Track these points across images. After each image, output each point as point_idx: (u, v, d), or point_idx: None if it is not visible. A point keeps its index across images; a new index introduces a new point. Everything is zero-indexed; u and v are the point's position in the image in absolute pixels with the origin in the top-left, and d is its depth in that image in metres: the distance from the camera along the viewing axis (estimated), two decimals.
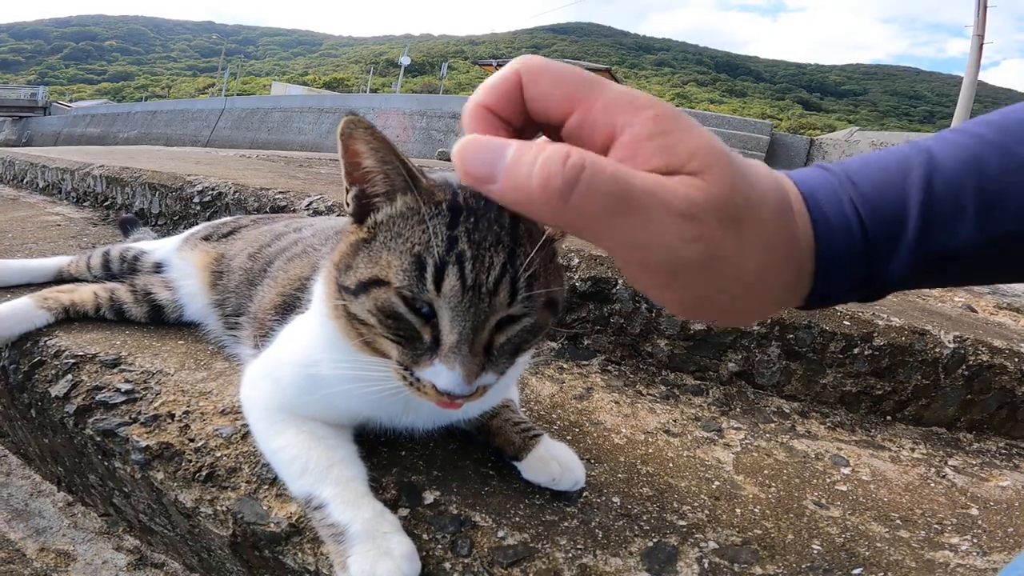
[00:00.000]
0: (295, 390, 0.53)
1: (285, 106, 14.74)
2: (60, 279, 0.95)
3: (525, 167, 0.26)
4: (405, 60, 36.08)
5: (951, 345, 0.85)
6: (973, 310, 1.25)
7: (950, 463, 0.79)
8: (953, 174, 0.30)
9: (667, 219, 0.25)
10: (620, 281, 0.92)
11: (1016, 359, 0.85)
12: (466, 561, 0.49)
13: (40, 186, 2.08)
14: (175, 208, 1.41)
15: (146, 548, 0.79)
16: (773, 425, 0.81)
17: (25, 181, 2.22)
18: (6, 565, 0.78)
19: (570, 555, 0.49)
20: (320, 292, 0.48)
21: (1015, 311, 1.25)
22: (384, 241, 0.40)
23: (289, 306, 0.60)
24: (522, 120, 0.30)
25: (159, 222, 1.47)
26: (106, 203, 1.67)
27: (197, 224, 1.21)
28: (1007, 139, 0.30)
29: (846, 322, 0.87)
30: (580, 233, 0.27)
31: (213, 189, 1.33)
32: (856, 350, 0.86)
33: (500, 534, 0.50)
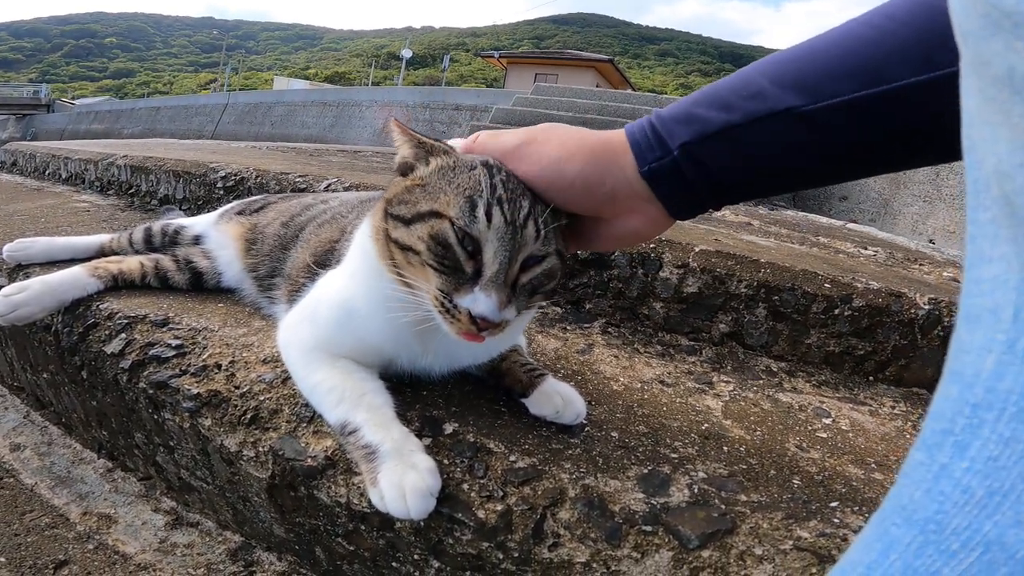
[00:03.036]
0: (331, 327, 0.60)
1: (288, 100, 14.78)
2: (102, 254, 1.03)
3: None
4: (407, 53, 35.97)
5: (926, 307, 0.92)
6: (958, 281, 1.31)
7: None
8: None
9: (515, 147, 0.51)
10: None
11: None
12: (482, 481, 0.56)
13: (63, 177, 2.16)
14: (199, 193, 1.49)
15: (182, 509, 0.85)
16: (761, 381, 0.88)
17: (47, 172, 2.30)
18: (50, 530, 0.82)
19: (574, 476, 0.56)
20: (364, 227, 0.56)
21: None
22: (440, 185, 0.49)
23: (320, 264, 0.67)
24: None
25: (183, 207, 1.55)
26: (130, 191, 1.75)
27: (222, 206, 1.29)
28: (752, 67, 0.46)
29: (827, 285, 0.94)
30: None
31: (236, 175, 1.40)
32: (837, 311, 0.93)
33: (511, 458, 0.57)
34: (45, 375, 1.01)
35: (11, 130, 23.12)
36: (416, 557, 0.58)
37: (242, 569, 0.75)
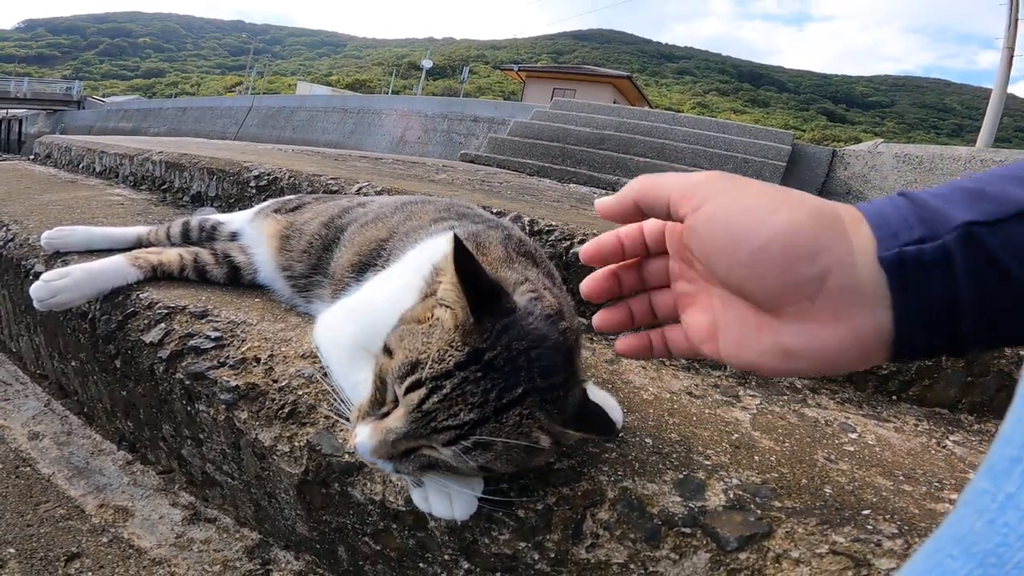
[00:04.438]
0: (380, 329, 0.61)
1: (310, 106, 15.06)
2: (138, 245, 1.06)
3: None
4: (427, 63, 36.54)
5: None
6: None
7: (951, 438, 0.85)
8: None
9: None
10: None
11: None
12: (522, 482, 0.56)
13: (96, 170, 2.22)
14: (231, 191, 1.52)
15: (200, 504, 0.84)
16: (786, 397, 0.88)
17: (81, 166, 2.36)
18: (65, 521, 0.80)
19: (612, 479, 0.56)
20: (420, 259, 0.57)
21: None
22: (420, 332, 0.46)
23: (365, 265, 0.69)
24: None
25: (215, 204, 1.59)
26: (163, 187, 1.79)
27: (253, 205, 1.31)
28: None
29: None
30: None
31: (269, 174, 1.44)
32: None
33: (551, 460, 0.57)
34: (74, 363, 1.03)
35: (40, 125, 23.74)
36: (446, 557, 0.58)
37: (259, 567, 0.74)
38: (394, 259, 0.66)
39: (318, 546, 0.70)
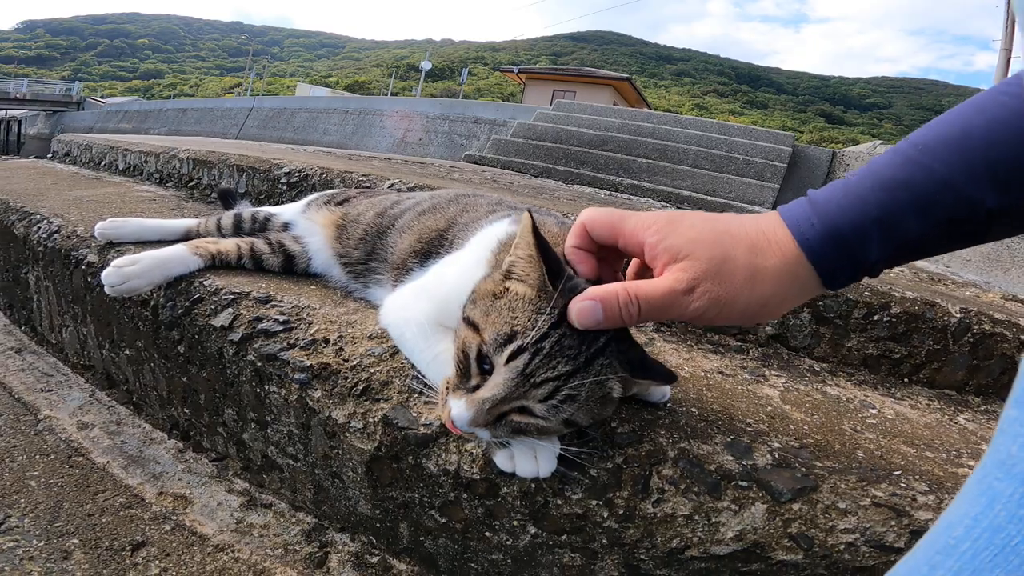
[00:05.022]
0: (457, 304, 0.64)
1: (311, 107, 15.10)
2: (187, 237, 1.10)
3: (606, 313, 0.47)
4: (426, 65, 36.61)
5: (957, 315, 0.97)
6: (980, 297, 1.37)
7: (961, 416, 0.91)
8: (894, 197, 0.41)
9: (682, 298, 0.44)
10: None
11: (1015, 329, 0.97)
12: (592, 444, 0.60)
13: (120, 168, 2.27)
14: (261, 188, 1.57)
15: (255, 490, 0.85)
16: (807, 378, 0.93)
17: (103, 164, 2.41)
18: (126, 510, 0.80)
19: (670, 440, 0.61)
20: (486, 241, 0.61)
21: (1020, 301, 1.36)
22: (504, 306, 0.50)
23: (427, 252, 0.74)
24: (595, 247, 0.52)
25: (243, 200, 1.63)
26: (190, 183, 1.84)
27: (282, 202, 1.36)
28: (926, 159, 0.40)
29: (867, 293, 0.99)
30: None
31: (300, 171, 1.49)
32: (876, 316, 0.98)
33: (613, 424, 0.62)
34: (127, 351, 1.06)
35: (40, 126, 23.71)
36: (515, 523, 0.62)
37: (317, 549, 0.76)
38: (457, 246, 0.70)
39: (378, 525, 0.73)
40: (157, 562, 0.72)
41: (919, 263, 1.98)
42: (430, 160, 3.95)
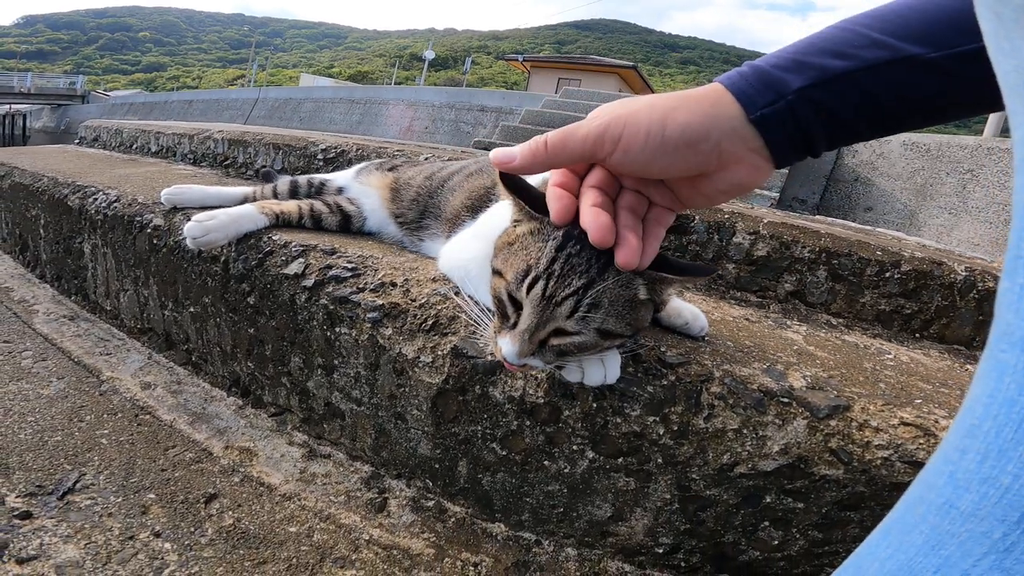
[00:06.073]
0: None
1: (317, 97, 15.10)
2: (244, 203, 1.18)
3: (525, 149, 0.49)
4: (429, 54, 36.41)
5: (963, 273, 1.04)
6: (985, 265, 1.44)
7: (970, 366, 0.98)
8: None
9: (583, 124, 0.48)
10: (697, 217, 1.13)
11: None
12: (645, 365, 0.67)
13: (152, 150, 2.34)
14: (297, 164, 1.65)
15: (313, 442, 0.89)
16: (825, 329, 1.01)
17: (135, 147, 2.48)
18: (196, 464, 0.84)
19: (714, 363, 0.67)
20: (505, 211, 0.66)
21: None
22: (517, 248, 0.55)
23: (477, 207, 0.81)
24: (578, 183, 0.52)
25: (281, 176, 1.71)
26: (225, 162, 1.92)
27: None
28: (848, 24, 0.43)
29: (878, 252, 1.07)
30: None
31: (336, 147, 1.56)
32: (888, 274, 1.05)
33: (662, 350, 0.69)
34: (192, 309, 1.13)
35: (45, 119, 23.76)
36: (574, 448, 0.67)
37: (377, 495, 0.81)
38: (498, 201, 0.77)
39: (436, 466, 0.78)
40: (231, 512, 0.75)
41: (927, 241, 2.03)
42: (442, 146, 4.01)
